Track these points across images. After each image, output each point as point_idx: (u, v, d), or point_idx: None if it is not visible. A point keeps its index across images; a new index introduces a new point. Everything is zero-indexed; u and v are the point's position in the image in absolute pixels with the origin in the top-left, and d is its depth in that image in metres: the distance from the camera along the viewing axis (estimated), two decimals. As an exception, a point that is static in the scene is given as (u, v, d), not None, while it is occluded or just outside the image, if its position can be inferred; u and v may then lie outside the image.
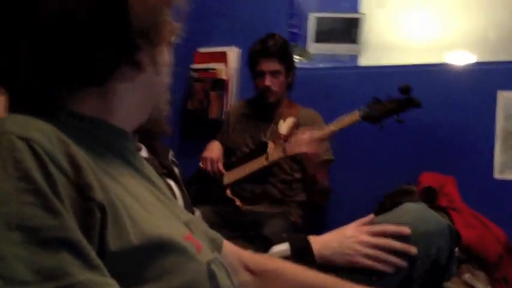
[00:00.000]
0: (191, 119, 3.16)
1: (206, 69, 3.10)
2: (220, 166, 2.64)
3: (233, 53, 3.11)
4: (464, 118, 2.61)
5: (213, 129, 2.90)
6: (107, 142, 0.78)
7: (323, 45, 3.85)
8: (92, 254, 0.62)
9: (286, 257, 1.27)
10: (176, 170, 1.78)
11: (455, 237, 1.29)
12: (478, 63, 2.88)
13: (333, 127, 2.36)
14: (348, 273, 1.24)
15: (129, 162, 0.83)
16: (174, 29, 0.84)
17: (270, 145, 2.55)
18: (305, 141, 2.33)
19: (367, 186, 2.64)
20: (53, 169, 0.62)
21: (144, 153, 1.55)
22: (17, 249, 0.57)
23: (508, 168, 2.51)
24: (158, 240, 0.71)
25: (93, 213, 0.64)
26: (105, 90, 0.76)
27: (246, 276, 1.06)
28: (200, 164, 2.68)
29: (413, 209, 1.30)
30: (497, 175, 2.53)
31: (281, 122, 2.65)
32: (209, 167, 2.63)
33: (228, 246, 1.06)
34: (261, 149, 2.57)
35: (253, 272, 1.08)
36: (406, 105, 2.28)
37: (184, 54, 3.02)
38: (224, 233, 1.85)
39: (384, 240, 1.25)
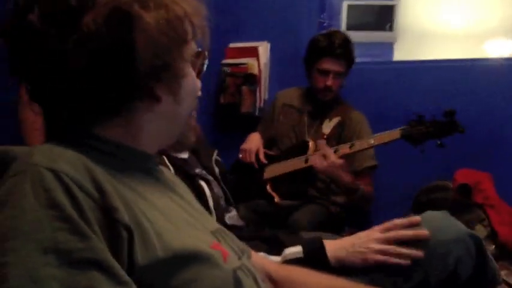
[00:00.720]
0: (224, 114, 3.18)
1: (237, 64, 3.10)
2: (261, 156, 2.61)
3: (264, 48, 3.10)
4: (501, 114, 2.60)
5: (245, 123, 2.92)
6: (132, 163, 0.84)
7: (357, 33, 3.82)
8: (120, 271, 0.68)
9: (299, 259, 1.29)
10: (217, 169, 1.80)
11: (482, 244, 1.24)
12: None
13: (373, 141, 2.32)
14: (365, 274, 1.24)
15: (155, 177, 0.89)
16: (196, 61, 0.89)
17: (311, 145, 2.51)
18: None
19: (404, 182, 2.63)
20: (80, 195, 0.68)
21: (184, 154, 1.57)
22: (52, 270, 0.63)
23: (545, 164, 2.48)
24: (183, 252, 0.76)
25: (120, 233, 0.70)
26: (127, 121, 0.82)
27: (268, 287, 1.08)
28: (239, 155, 2.66)
29: (433, 217, 1.28)
30: (534, 171, 2.50)
31: (326, 120, 2.61)
32: (247, 158, 2.61)
33: (254, 256, 1.08)
34: (301, 147, 2.54)
35: (275, 282, 1.11)
36: (448, 131, 2.21)
37: (216, 49, 3.03)
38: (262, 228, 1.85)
39: (393, 233, 1.25)
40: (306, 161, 2.45)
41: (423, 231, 1.22)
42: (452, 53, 4.74)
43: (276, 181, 2.57)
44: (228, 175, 1.84)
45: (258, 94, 3.07)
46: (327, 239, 1.39)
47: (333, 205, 2.55)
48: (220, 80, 3.15)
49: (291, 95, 2.76)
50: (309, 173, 2.49)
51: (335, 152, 2.38)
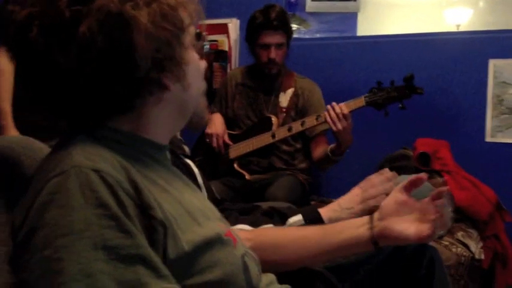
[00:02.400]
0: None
1: (208, 41, 3.17)
2: (227, 139, 2.68)
3: (233, 25, 3.18)
4: (457, 85, 2.73)
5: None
6: (150, 154, 0.87)
7: (321, 3, 3.91)
8: (161, 265, 0.73)
9: (301, 226, 1.41)
10: (186, 148, 1.89)
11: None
12: (470, 32, 2.98)
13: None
14: None
15: (169, 169, 0.93)
16: (197, 44, 0.91)
17: (274, 120, 2.60)
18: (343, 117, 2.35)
19: (367, 151, 2.76)
20: (122, 195, 0.73)
21: None
22: (102, 265, 0.68)
23: (498, 132, 2.65)
24: (204, 243, 0.82)
25: (156, 229, 0.75)
26: (140, 113, 0.84)
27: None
28: (206, 139, 2.70)
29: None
30: (488, 139, 2.67)
31: (281, 94, 2.70)
32: (215, 143, 2.66)
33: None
34: (264, 124, 2.63)
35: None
36: (408, 93, 2.39)
37: None
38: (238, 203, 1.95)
39: (374, 188, 1.39)
40: (273, 136, 2.55)
41: (394, 173, 1.36)
42: (413, 21, 4.89)
43: (242, 159, 2.65)
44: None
45: (228, 70, 3.15)
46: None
47: (299, 172, 2.68)
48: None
49: (242, 74, 2.81)
50: (272, 146, 2.61)
51: (289, 129, 2.51)
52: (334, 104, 2.37)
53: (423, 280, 1.28)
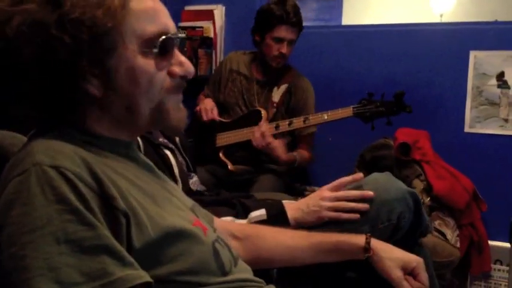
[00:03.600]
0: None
1: (193, 28, 3.17)
2: (215, 113, 2.70)
3: (219, 11, 3.17)
4: (438, 76, 2.76)
5: (202, 86, 2.98)
6: (116, 151, 0.90)
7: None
8: (125, 253, 0.76)
9: (263, 221, 1.42)
10: (177, 138, 1.91)
11: (419, 200, 1.41)
12: (452, 24, 3.01)
13: (326, 117, 2.47)
14: (320, 228, 1.39)
15: (137, 162, 0.96)
16: (147, 48, 0.85)
17: (263, 114, 2.60)
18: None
19: (349, 141, 2.80)
20: (82, 188, 0.75)
21: None
22: (66, 258, 0.71)
23: (477, 123, 2.68)
24: (172, 230, 0.85)
25: (119, 219, 0.78)
26: (86, 113, 0.87)
27: (233, 243, 1.19)
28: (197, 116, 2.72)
29: (378, 179, 1.44)
30: (467, 129, 2.71)
31: (275, 88, 2.71)
32: (205, 117, 2.69)
33: (216, 220, 1.19)
34: (253, 116, 2.63)
35: (238, 238, 1.24)
36: (396, 110, 2.43)
37: (172, 12, 3.06)
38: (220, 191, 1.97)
39: (342, 192, 1.41)
40: None
41: (369, 192, 1.37)
42: (399, 9, 4.92)
43: (228, 148, 2.67)
44: (188, 142, 1.96)
45: (214, 57, 3.16)
46: (284, 199, 1.55)
47: (280, 169, 2.68)
48: (176, 43, 3.21)
49: (238, 60, 2.80)
50: None
51: (276, 127, 2.52)
52: (263, 123, 2.49)
53: None
